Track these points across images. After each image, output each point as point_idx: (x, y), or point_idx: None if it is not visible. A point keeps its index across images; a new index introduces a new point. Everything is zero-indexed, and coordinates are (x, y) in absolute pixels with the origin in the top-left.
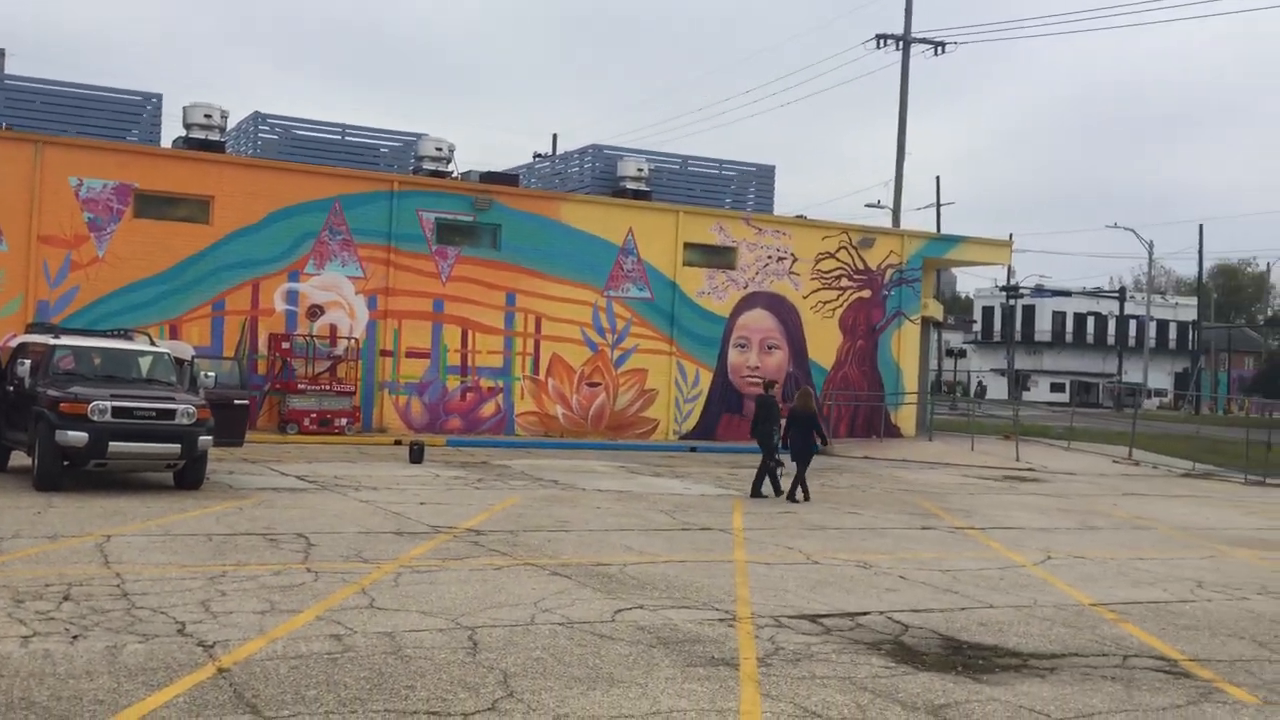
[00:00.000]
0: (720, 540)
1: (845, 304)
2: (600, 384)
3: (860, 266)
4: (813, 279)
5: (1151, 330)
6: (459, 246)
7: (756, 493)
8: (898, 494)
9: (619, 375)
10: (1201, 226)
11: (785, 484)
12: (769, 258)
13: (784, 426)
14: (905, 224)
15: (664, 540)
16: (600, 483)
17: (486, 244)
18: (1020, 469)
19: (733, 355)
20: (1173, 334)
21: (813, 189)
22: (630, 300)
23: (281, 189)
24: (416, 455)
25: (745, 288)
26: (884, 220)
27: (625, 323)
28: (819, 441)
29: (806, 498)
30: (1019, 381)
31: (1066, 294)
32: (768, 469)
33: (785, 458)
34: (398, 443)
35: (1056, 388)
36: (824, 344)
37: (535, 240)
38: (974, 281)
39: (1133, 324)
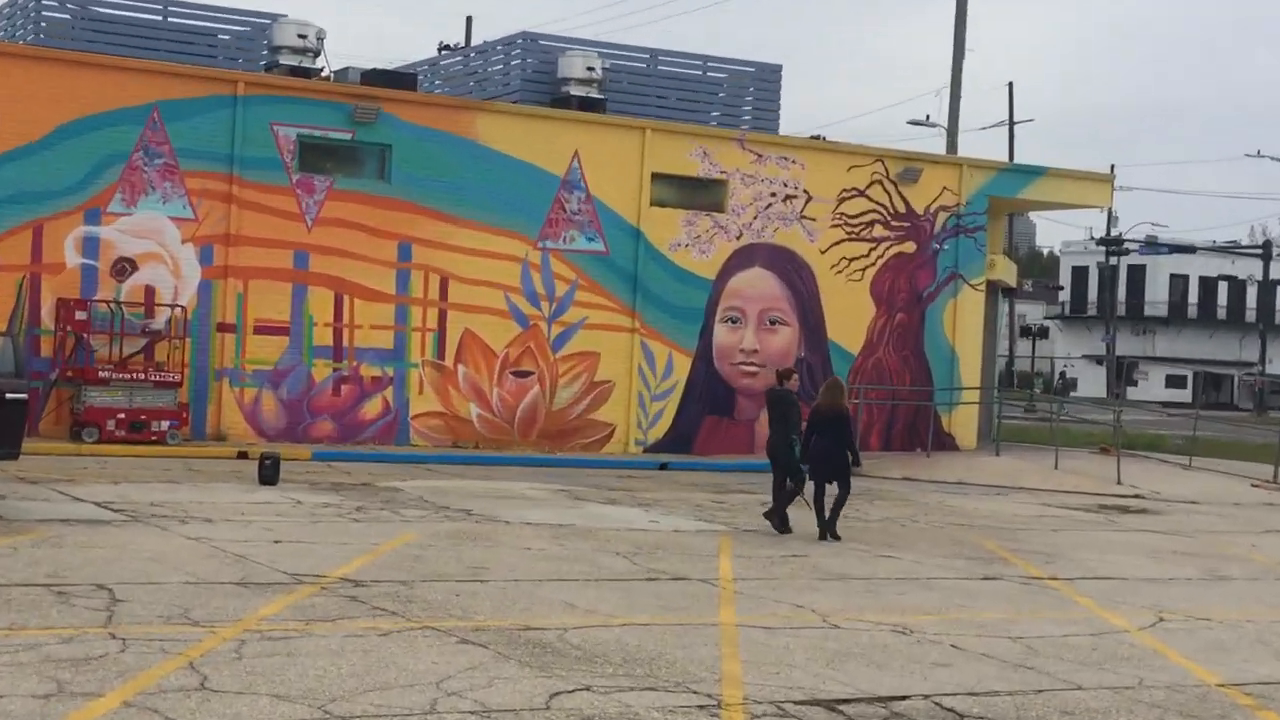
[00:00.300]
0: (701, 594)
1: (880, 262)
2: (532, 373)
3: (901, 209)
4: (834, 226)
5: None
6: (331, 176)
7: (783, 524)
8: (950, 530)
9: (559, 361)
10: None
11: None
12: (772, 196)
13: (810, 429)
14: (965, 150)
15: (620, 594)
16: (531, 513)
17: (371, 172)
18: (1123, 495)
19: (720, 333)
20: None
21: (834, 100)
22: (576, 255)
23: (75, 91)
24: (269, 474)
25: (739, 238)
26: (935, 145)
27: (569, 287)
28: (853, 459)
29: (833, 534)
30: (1123, 373)
31: (1189, 250)
32: (787, 491)
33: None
34: (243, 455)
35: (1174, 381)
36: (849, 318)
37: (440, 168)
38: (1061, 232)
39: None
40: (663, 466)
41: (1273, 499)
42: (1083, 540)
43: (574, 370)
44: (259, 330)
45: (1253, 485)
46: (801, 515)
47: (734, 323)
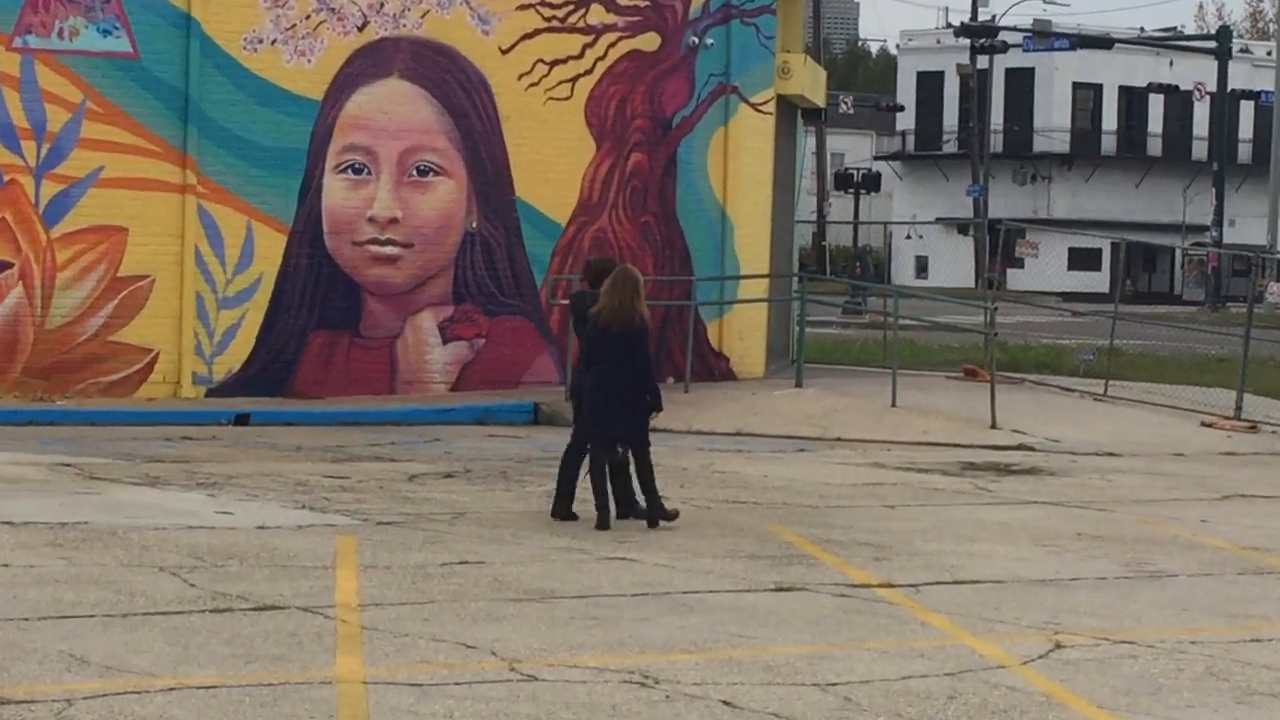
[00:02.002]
0: (307, 632)
1: (601, 69)
2: (9, 266)
3: None
4: (524, 8)
5: None
6: None
7: (604, 516)
8: (723, 512)
9: (56, 244)
10: None
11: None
12: None
13: (584, 350)
14: None
15: (168, 638)
16: (11, 505)
17: None
18: (1000, 447)
19: (335, 192)
20: None
21: None
22: (82, 60)
23: None
24: None
25: (362, 29)
26: None
27: (71, 115)
28: (651, 401)
29: (658, 516)
30: (1000, 247)
31: (1103, 44)
32: (604, 457)
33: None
34: None
35: (1082, 259)
36: (551, 164)
37: None
38: (899, 17)
39: (1246, 110)
40: (241, 419)
41: (1235, 444)
42: (935, 521)
43: (83, 259)
44: None
45: (1203, 424)
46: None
47: (358, 173)
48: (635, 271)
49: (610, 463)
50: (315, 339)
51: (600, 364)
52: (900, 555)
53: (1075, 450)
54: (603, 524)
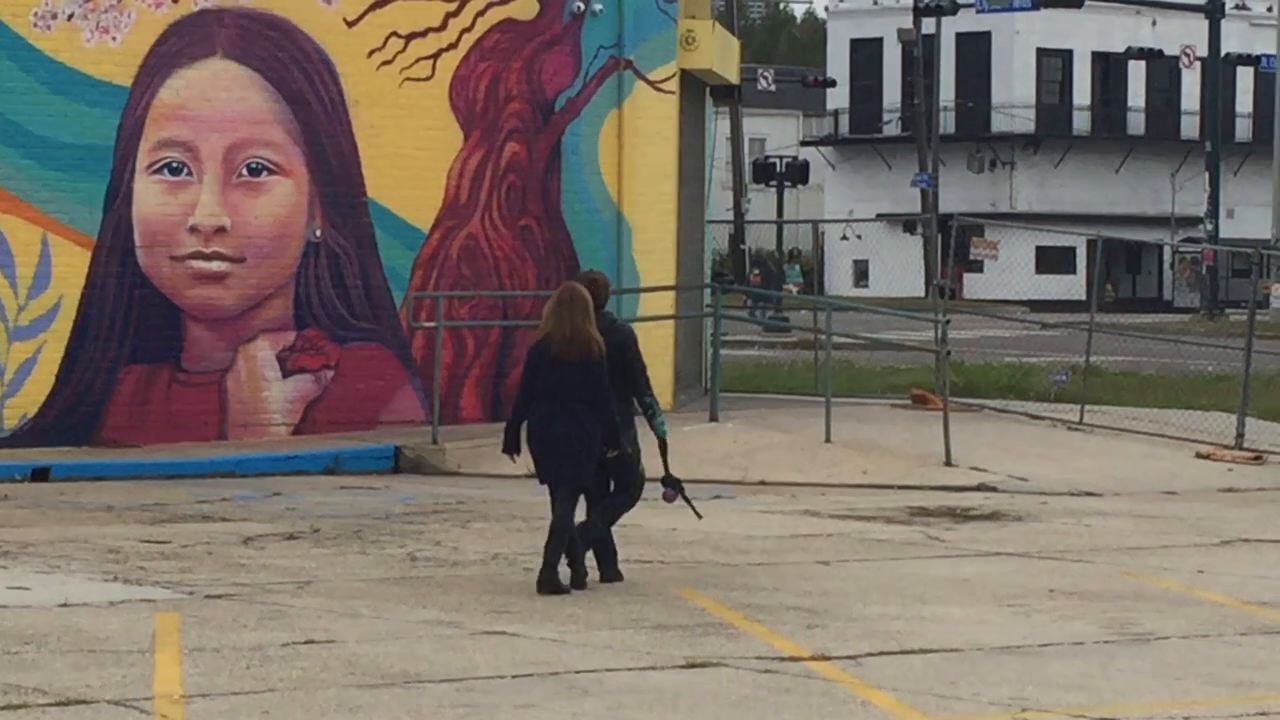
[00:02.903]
0: None
1: (467, 44)
2: None
3: None
4: None
5: None
6: None
7: (579, 576)
8: (625, 571)
9: None
10: None
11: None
12: None
13: (526, 385)
14: None
15: None
16: None
17: None
18: (957, 487)
19: (149, 197)
20: None
21: None
22: None
23: None
24: None
25: (176, 0)
26: None
27: None
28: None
29: (613, 573)
30: (952, 247)
31: (1072, 1)
32: (613, 502)
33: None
34: None
35: (1052, 260)
36: (409, 159)
37: None
38: None
39: (1244, 77)
40: (40, 474)
41: (1237, 479)
42: (879, 579)
43: None
44: None
45: (1199, 455)
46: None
47: (176, 174)
48: (583, 290)
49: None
50: (128, 375)
51: (546, 400)
52: (837, 621)
53: (1046, 490)
54: (578, 582)
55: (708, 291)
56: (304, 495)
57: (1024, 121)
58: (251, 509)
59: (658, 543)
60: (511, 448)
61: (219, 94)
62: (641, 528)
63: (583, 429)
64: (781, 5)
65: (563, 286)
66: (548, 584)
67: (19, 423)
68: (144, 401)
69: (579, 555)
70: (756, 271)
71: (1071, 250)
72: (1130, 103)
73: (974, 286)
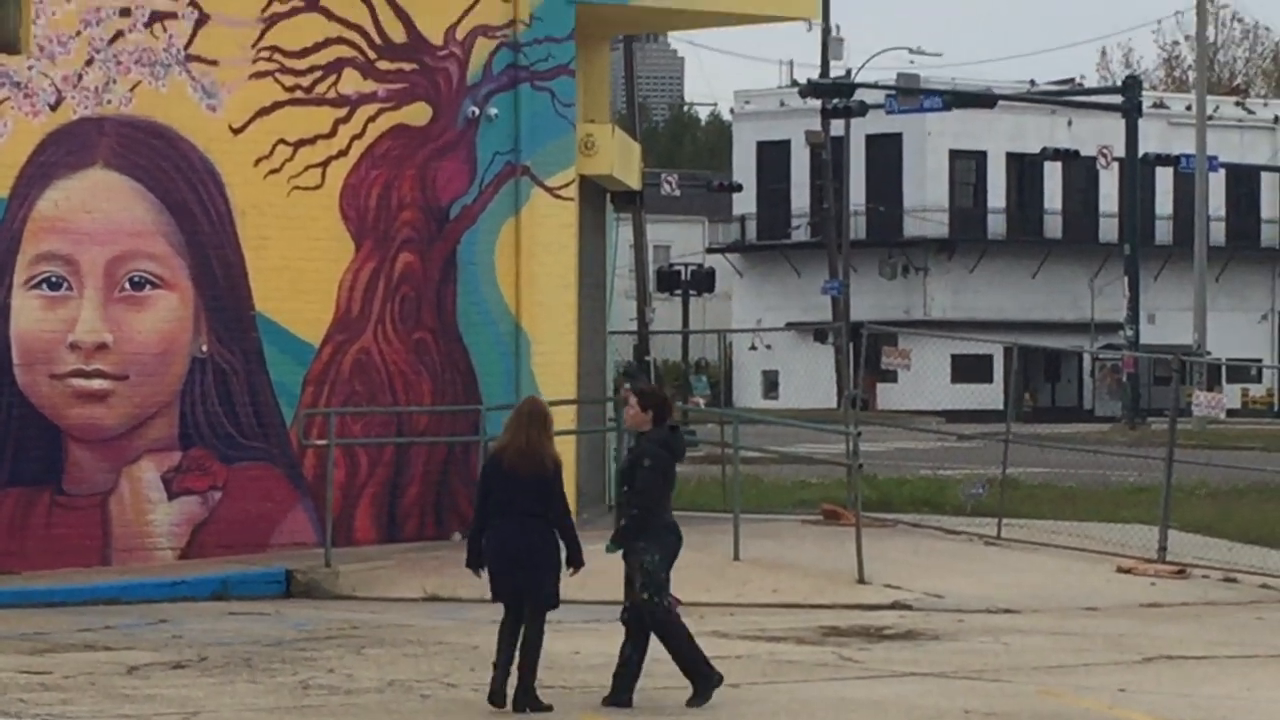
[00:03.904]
0: None
1: (358, 149)
2: None
3: (396, 35)
4: (259, 76)
5: (1215, 188)
6: None
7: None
8: None
9: None
10: None
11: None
12: (124, 15)
13: (481, 498)
14: None
15: None
16: None
17: None
18: (870, 605)
19: (27, 312)
20: (1269, 203)
21: None
22: None
23: None
24: None
25: (56, 108)
26: None
27: None
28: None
29: (529, 704)
30: (863, 356)
31: (985, 101)
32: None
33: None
34: None
35: (968, 369)
36: (299, 270)
37: None
38: (734, 75)
39: (1163, 178)
40: None
41: (1160, 593)
42: (789, 703)
43: None
44: None
45: (1120, 569)
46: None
47: (55, 288)
48: (543, 404)
49: (506, 631)
50: (6, 499)
51: (502, 516)
52: None
53: (963, 607)
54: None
55: (610, 405)
56: (191, 622)
57: (937, 225)
58: (136, 637)
59: (560, 666)
60: (474, 563)
61: (100, 205)
62: (545, 651)
63: (542, 543)
64: (685, 108)
65: (525, 399)
66: (499, 695)
67: None
68: (23, 526)
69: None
70: (627, 386)
71: (988, 358)
72: (1047, 205)
73: (888, 397)
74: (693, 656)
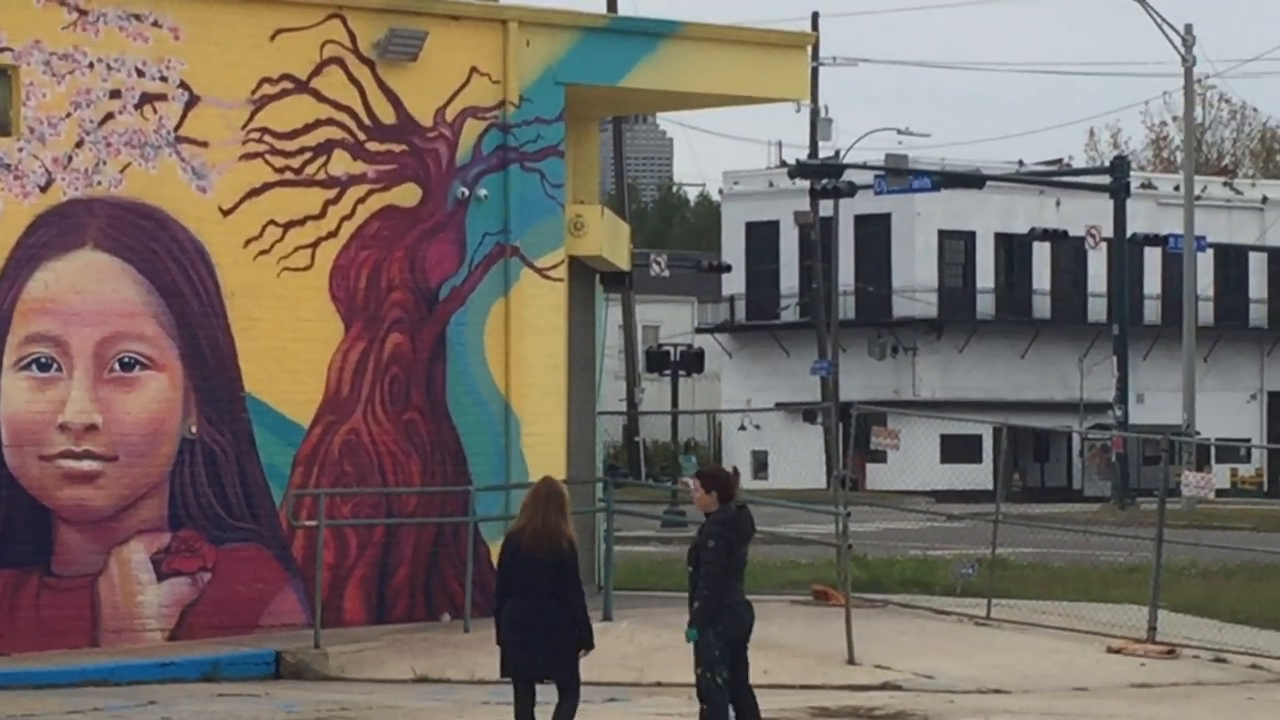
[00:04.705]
0: None
1: (348, 230)
2: None
3: (386, 116)
4: (249, 157)
5: (1203, 268)
6: None
7: None
8: None
9: None
10: None
11: None
12: (115, 97)
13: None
14: None
15: None
16: None
17: None
18: (860, 687)
19: (17, 392)
20: (1257, 283)
21: None
22: None
23: None
24: None
25: (46, 189)
26: None
27: None
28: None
29: None
30: (852, 436)
31: (973, 182)
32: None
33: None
34: None
35: (957, 449)
36: (288, 354)
37: None
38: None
39: (1151, 258)
40: None
41: (1150, 674)
42: None
43: None
44: None
45: (1110, 650)
46: None
47: (45, 369)
48: (560, 485)
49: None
50: None
51: (521, 594)
52: None
53: (953, 688)
54: None
55: (600, 485)
56: (180, 704)
57: (926, 305)
58: (126, 719)
59: None
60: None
61: (89, 286)
62: None
63: (559, 623)
64: (674, 188)
65: (542, 479)
66: None
67: None
68: (12, 607)
69: None
70: (614, 465)
71: (977, 438)
72: (1035, 285)
73: (877, 477)
74: None
